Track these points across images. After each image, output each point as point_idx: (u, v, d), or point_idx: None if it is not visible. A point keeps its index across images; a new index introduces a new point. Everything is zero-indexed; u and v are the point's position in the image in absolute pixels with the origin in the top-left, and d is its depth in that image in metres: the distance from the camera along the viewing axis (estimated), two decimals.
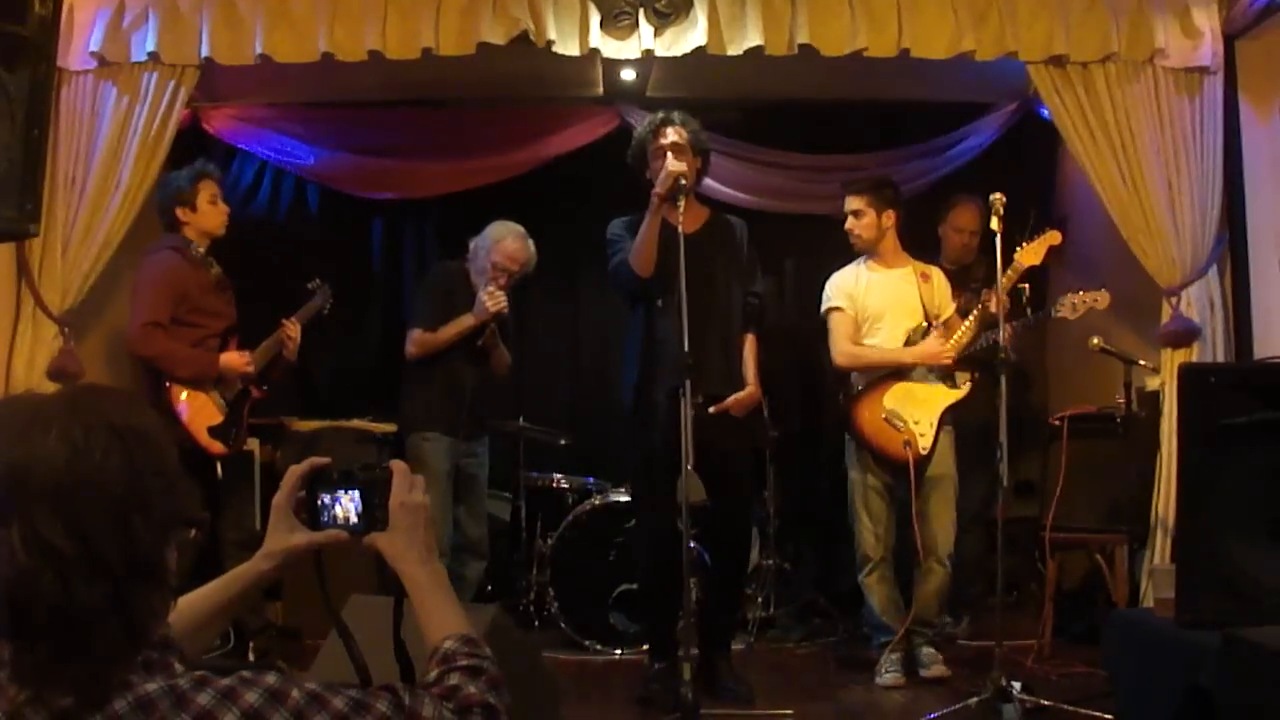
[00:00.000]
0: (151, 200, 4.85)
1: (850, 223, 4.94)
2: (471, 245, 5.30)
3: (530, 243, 5.23)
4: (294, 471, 1.69)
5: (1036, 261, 4.72)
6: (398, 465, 1.66)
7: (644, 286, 4.50)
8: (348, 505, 1.65)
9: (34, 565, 1.23)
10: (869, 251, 4.96)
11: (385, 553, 1.62)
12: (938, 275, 5.01)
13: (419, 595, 1.59)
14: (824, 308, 5.00)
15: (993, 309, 4.55)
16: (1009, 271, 4.64)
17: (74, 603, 1.24)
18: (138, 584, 1.28)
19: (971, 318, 4.82)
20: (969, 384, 4.86)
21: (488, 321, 5.09)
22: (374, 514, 1.63)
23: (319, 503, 1.67)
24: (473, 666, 1.48)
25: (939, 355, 4.80)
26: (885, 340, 4.89)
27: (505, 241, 5.16)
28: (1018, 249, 4.72)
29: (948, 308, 4.96)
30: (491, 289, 5.07)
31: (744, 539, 4.81)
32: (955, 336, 4.82)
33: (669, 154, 4.46)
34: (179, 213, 4.76)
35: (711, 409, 4.42)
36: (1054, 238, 4.74)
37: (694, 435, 4.09)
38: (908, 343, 4.85)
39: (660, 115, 4.60)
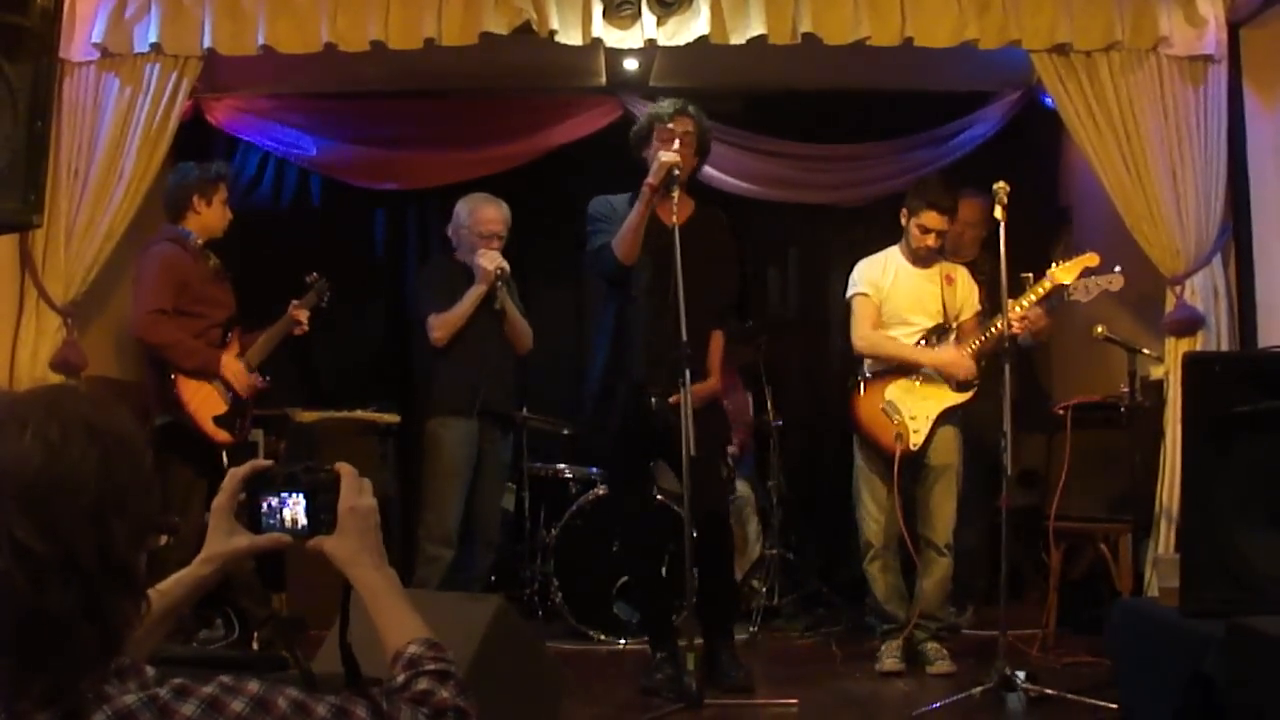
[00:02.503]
0: (155, 191, 4.85)
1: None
2: (450, 232, 5.33)
3: (502, 202, 5.26)
4: (234, 474, 1.65)
5: (1070, 280, 4.68)
6: (344, 468, 1.62)
7: (624, 273, 4.48)
8: (294, 508, 1.61)
9: (7, 567, 1.19)
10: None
11: (334, 557, 1.58)
12: (962, 276, 4.96)
13: (374, 600, 1.56)
14: (849, 293, 4.96)
15: (1013, 324, 4.51)
16: (1037, 286, 4.65)
17: (48, 607, 1.20)
18: (113, 588, 1.25)
19: (990, 332, 4.76)
20: (975, 390, 4.83)
21: (495, 283, 5.10)
22: (319, 517, 1.59)
23: (262, 506, 1.63)
24: (440, 671, 1.47)
25: (956, 365, 4.75)
26: (902, 334, 4.86)
27: (480, 210, 5.20)
28: (1053, 265, 4.70)
29: (970, 309, 4.92)
30: (483, 250, 5.10)
31: (723, 523, 4.75)
32: (973, 348, 4.80)
33: (673, 141, 4.41)
34: (195, 200, 4.76)
35: (671, 399, 4.30)
36: (1091, 259, 4.68)
37: (659, 425, 4.09)
38: (924, 341, 4.83)
39: (679, 103, 4.54)
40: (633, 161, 4.62)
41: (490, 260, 5.08)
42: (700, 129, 4.52)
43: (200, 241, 4.80)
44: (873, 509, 4.84)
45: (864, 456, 4.88)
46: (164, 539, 1.38)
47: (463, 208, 5.28)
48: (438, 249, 6.34)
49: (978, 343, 4.77)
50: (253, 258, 5.64)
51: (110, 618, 1.24)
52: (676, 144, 4.40)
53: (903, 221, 4.89)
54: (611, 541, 5.42)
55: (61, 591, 1.20)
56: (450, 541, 5.06)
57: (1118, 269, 4.73)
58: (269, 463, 1.66)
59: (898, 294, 4.88)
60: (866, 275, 4.93)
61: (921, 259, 4.88)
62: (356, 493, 1.60)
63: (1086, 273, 4.71)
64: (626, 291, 4.50)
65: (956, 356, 4.77)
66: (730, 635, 4.69)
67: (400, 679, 1.46)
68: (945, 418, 4.79)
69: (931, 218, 4.77)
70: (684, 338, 4.06)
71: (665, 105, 4.55)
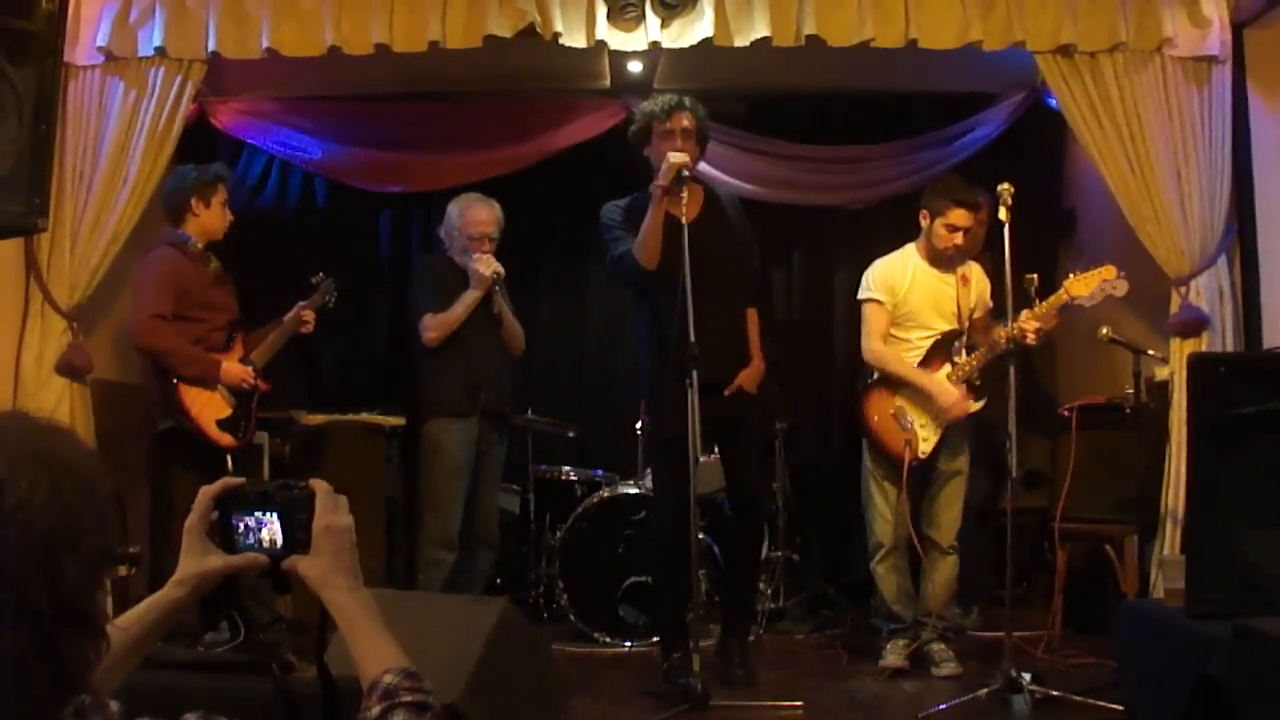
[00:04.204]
0: (160, 195, 4.85)
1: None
2: (442, 233, 5.34)
3: (493, 202, 5.27)
4: (206, 492, 1.60)
5: (1086, 293, 4.60)
6: (319, 485, 1.58)
7: (648, 278, 4.50)
8: (271, 527, 1.58)
9: None
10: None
11: (308, 578, 1.53)
12: (976, 273, 4.93)
13: (349, 625, 1.51)
14: (862, 296, 4.92)
15: (1029, 335, 4.50)
16: (1052, 298, 4.59)
17: None
18: (67, 628, 1.16)
19: (995, 339, 4.72)
20: (985, 400, 4.81)
21: (491, 287, 5.11)
22: (294, 536, 1.56)
23: (235, 525, 1.59)
24: (418, 703, 1.42)
25: (952, 404, 4.69)
26: (916, 337, 4.85)
27: (470, 211, 5.21)
28: (1069, 276, 4.64)
29: (983, 305, 4.89)
30: (477, 255, 5.11)
31: (763, 511, 4.87)
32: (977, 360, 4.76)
33: (677, 139, 4.43)
34: (194, 203, 4.75)
35: (725, 391, 4.47)
36: (1109, 272, 4.62)
37: (717, 416, 4.14)
38: (936, 345, 4.82)
39: (674, 98, 4.55)
40: (637, 162, 4.64)
41: (486, 265, 5.08)
42: (698, 120, 4.54)
43: (200, 245, 4.79)
44: (884, 509, 4.82)
45: (873, 460, 4.87)
46: (127, 570, 1.32)
47: (453, 208, 5.27)
48: (441, 253, 6.36)
49: (985, 348, 4.74)
50: (257, 261, 5.65)
51: (65, 659, 1.16)
52: (679, 142, 4.42)
53: (924, 223, 4.84)
54: (617, 544, 5.43)
55: (11, 632, 1.12)
56: (452, 545, 5.06)
57: (1122, 274, 4.70)
58: (240, 480, 1.63)
59: (915, 296, 4.85)
60: (883, 279, 4.89)
61: (945, 260, 4.84)
62: (331, 511, 1.56)
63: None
64: (657, 292, 4.53)
65: (952, 398, 4.71)
66: (747, 622, 4.75)
67: (375, 711, 1.41)
68: (954, 425, 4.78)
69: (960, 215, 4.73)
70: (691, 338, 4.09)
71: (660, 102, 4.56)
